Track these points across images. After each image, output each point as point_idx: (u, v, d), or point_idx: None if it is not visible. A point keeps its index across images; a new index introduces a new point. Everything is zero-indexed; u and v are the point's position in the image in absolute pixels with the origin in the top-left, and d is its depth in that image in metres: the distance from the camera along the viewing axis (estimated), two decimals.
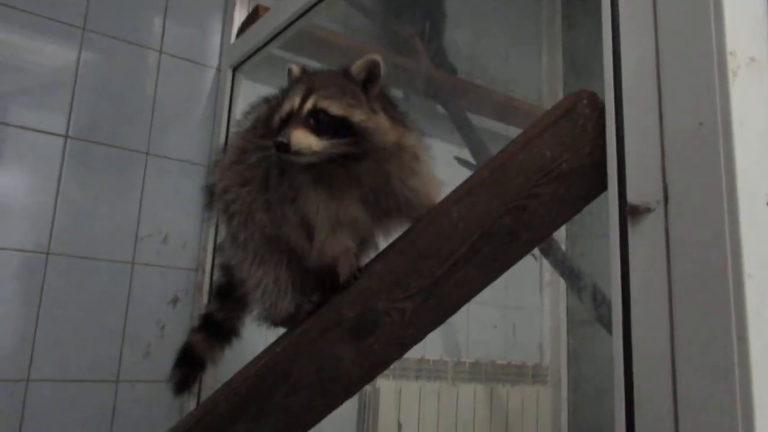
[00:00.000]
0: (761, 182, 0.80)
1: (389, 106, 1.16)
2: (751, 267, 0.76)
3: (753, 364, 0.74)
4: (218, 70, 2.35)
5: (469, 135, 2.36)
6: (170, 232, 2.16)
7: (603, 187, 0.95)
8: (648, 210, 0.86)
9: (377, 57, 1.07)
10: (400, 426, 2.29)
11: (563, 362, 2.66)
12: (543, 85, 2.74)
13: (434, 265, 1.07)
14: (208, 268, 2.14)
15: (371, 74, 1.08)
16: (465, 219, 1.06)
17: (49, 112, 2.00)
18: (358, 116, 1.05)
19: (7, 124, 1.92)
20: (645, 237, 0.87)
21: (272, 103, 1.27)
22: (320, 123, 1.03)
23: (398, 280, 1.08)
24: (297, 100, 1.05)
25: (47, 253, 1.93)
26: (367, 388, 2.24)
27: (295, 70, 1.16)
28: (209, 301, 1.47)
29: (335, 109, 1.03)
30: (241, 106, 2.27)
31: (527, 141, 1.05)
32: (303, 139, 1.02)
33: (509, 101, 2.57)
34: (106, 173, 2.07)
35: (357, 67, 1.08)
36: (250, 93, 2.30)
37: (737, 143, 0.78)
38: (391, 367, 1.16)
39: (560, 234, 2.49)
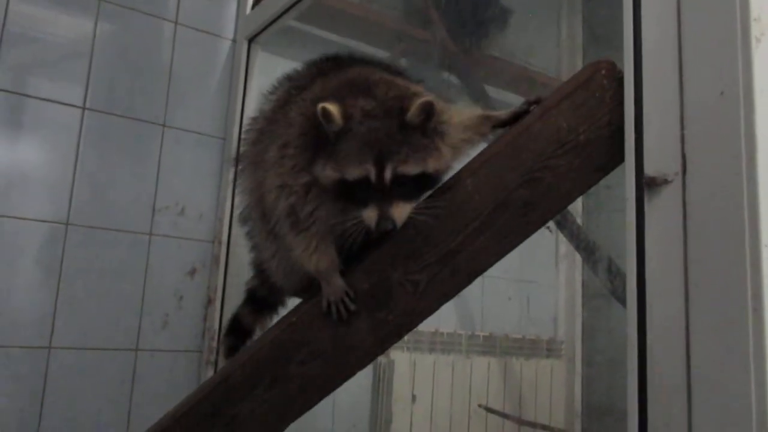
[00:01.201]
0: None
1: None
2: None
3: None
4: (234, 41, 2.34)
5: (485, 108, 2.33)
6: (187, 204, 2.18)
7: (621, 158, 0.94)
8: (666, 182, 0.85)
9: (431, 98, 1.03)
10: (414, 398, 2.32)
11: (577, 336, 2.66)
12: (562, 55, 2.69)
13: (448, 236, 1.07)
14: (224, 240, 2.16)
15: (428, 115, 1.03)
16: (480, 191, 1.06)
17: (67, 84, 2.01)
18: (432, 165, 1.04)
19: (26, 96, 1.94)
20: (662, 209, 0.86)
21: (294, 83, 1.25)
22: (404, 187, 1.03)
23: (413, 252, 1.08)
24: (371, 169, 1.01)
25: (66, 224, 1.96)
26: (382, 360, 2.27)
27: (335, 113, 1.03)
28: (252, 276, 1.48)
29: (413, 169, 1.02)
30: (257, 78, 2.26)
31: (544, 112, 1.04)
32: (402, 212, 1.02)
33: (527, 73, 2.54)
34: (124, 145, 2.08)
35: (413, 114, 1.02)
36: (266, 65, 2.30)
37: (759, 113, 0.76)
38: (405, 339, 1.17)
39: (576, 207, 2.47)
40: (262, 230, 1.25)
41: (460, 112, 1.14)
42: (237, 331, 1.47)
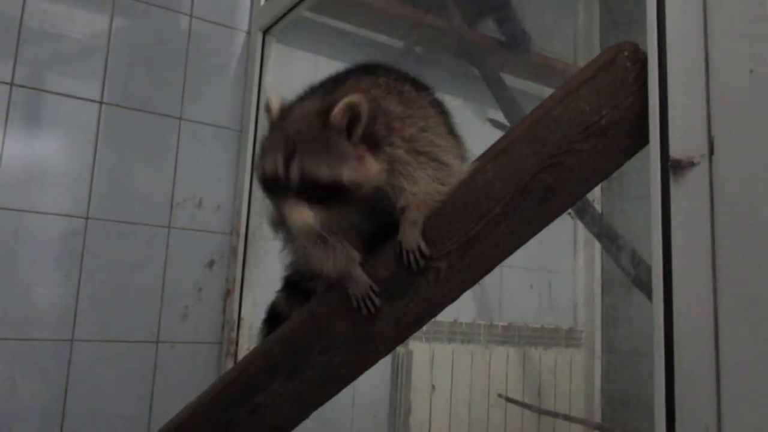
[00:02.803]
0: None
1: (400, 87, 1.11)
2: None
3: None
4: (248, 33, 2.33)
5: (502, 96, 2.31)
6: (204, 197, 2.19)
7: (644, 141, 0.92)
8: (692, 164, 0.83)
9: (356, 98, 0.98)
10: (433, 388, 2.31)
11: (597, 325, 2.64)
12: (579, 42, 2.66)
13: (469, 224, 1.06)
14: (242, 231, 2.17)
15: (353, 117, 0.99)
16: (500, 177, 1.04)
17: (84, 79, 2.02)
18: (346, 174, 0.99)
19: (44, 91, 1.95)
20: (688, 193, 0.84)
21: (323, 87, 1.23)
22: (310, 190, 0.99)
23: (433, 240, 1.07)
24: (280, 162, 0.99)
25: (86, 218, 1.98)
26: (401, 350, 2.26)
27: (273, 105, 1.05)
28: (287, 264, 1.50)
29: (323, 172, 0.98)
30: (272, 70, 2.26)
31: (565, 95, 1.02)
32: (299, 215, 0.99)
33: (544, 60, 2.50)
34: (141, 139, 2.09)
35: (337, 114, 0.98)
36: (281, 56, 2.29)
37: None
38: (424, 330, 1.16)
39: (594, 195, 2.44)
40: None
41: (432, 142, 1.07)
42: (274, 319, 1.48)
